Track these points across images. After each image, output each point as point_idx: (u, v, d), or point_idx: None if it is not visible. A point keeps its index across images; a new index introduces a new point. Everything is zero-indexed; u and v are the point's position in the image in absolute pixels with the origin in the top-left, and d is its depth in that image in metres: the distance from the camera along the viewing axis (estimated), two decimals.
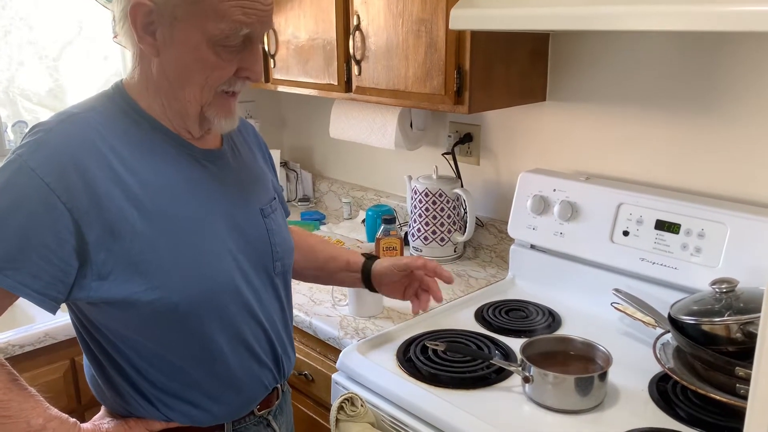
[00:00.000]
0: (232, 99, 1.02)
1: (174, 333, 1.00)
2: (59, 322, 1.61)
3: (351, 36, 1.74)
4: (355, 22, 1.73)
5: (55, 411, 0.96)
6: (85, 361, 1.10)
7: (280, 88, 2.07)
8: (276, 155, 2.50)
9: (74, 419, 0.98)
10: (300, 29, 1.91)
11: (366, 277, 1.37)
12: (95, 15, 2.28)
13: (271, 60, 2.03)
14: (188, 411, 1.05)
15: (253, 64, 0.99)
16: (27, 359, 1.59)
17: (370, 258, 1.39)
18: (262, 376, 1.11)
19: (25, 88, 2.29)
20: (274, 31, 1.99)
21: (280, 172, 2.54)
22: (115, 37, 2.18)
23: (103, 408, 1.11)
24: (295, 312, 1.63)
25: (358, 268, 1.38)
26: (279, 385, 1.18)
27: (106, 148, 0.95)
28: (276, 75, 2.05)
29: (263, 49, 2.04)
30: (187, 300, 0.98)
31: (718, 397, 1.12)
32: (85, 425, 1.00)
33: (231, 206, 1.06)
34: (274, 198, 1.18)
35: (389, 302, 1.66)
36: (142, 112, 1.01)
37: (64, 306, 1.00)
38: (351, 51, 1.75)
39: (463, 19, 1.39)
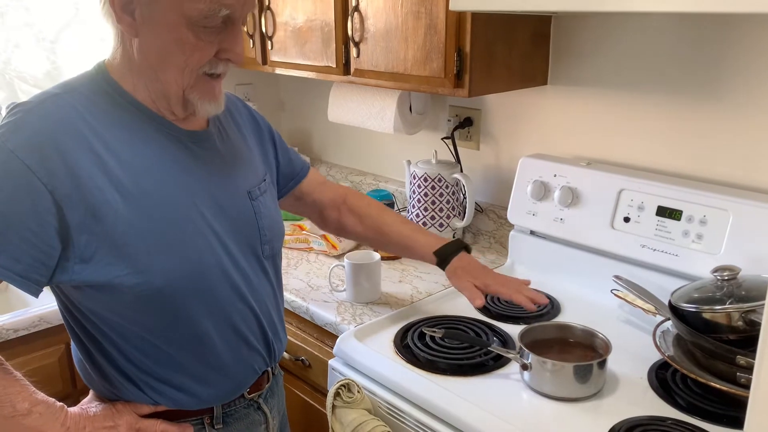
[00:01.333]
0: (216, 82, 1.00)
1: (159, 317, 0.99)
2: (54, 306, 1.57)
3: (349, 17, 1.71)
4: (353, 4, 1.70)
5: (41, 395, 0.95)
6: (72, 346, 1.09)
7: (278, 71, 2.04)
8: None
9: (61, 403, 0.98)
10: (298, 11, 1.88)
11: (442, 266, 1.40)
12: None
13: (269, 42, 2.01)
14: (175, 395, 1.04)
15: (234, 45, 0.96)
16: (21, 343, 1.58)
17: (445, 256, 1.39)
18: (252, 360, 1.10)
19: (21, 70, 2.26)
20: (272, 12, 1.96)
21: None
22: None
23: (91, 392, 1.10)
24: (292, 297, 1.62)
25: (433, 262, 1.40)
26: (269, 369, 1.17)
27: (87, 130, 0.93)
28: (273, 57, 2.02)
29: (261, 31, 2.02)
30: (170, 284, 0.97)
31: (718, 386, 1.11)
32: (72, 409, 0.99)
33: (216, 188, 1.05)
34: (264, 180, 1.16)
35: (387, 288, 1.65)
36: (124, 93, 0.99)
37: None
38: (349, 33, 1.73)
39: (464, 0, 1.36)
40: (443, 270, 1.39)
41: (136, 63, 0.97)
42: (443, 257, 1.38)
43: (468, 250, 1.42)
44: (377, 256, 1.60)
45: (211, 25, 0.93)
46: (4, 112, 2.21)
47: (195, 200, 1.01)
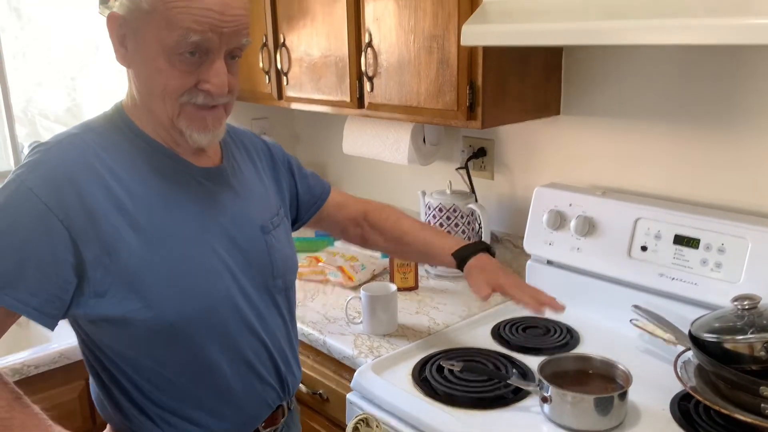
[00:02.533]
0: (208, 113, 1.00)
1: (171, 351, 1.00)
2: (74, 342, 1.59)
3: (363, 53, 1.74)
4: (366, 39, 1.73)
5: (58, 428, 0.95)
6: (90, 380, 1.10)
7: (294, 106, 2.07)
8: None
9: None
10: (312, 47, 1.92)
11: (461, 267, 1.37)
12: None
13: (284, 78, 2.04)
14: (189, 429, 1.05)
15: (212, 76, 0.96)
16: (42, 380, 1.59)
17: (464, 257, 1.36)
18: (265, 394, 1.11)
19: (43, 107, 2.31)
20: (287, 49, 2.00)
21: None
22: None
23: (108, 426, 1.11)
24: (309, 330, 1.62)
25: (452, 265, 1.38)
26: (284, 403, 1.17)
27: (102, 168, 0.96)
28: (289, 92, 2.05)
29: (277, 67, 2.05)
30: (182, 318, 0.98)
31: (742, 418, 1.09)
32: None
33: (229, 223, 1.06)
34: (277, 214, 1.18)
35: (404, 319, 1.65)
36: (137, 130, 1.02)
37: None
38: (363, 68, 1.75)
39: (475, 35, 1.38)
40: (462, 271, 1.37)
41: (136, 96, 1.01)
42: (462, 259, 1.36)
43: (490, 251, 1.38)
44: (393, 287, 1.60)
45: (184, 52, 0.93)
46: (26, 150, 2.26)
47: (207, 235, 1.03)
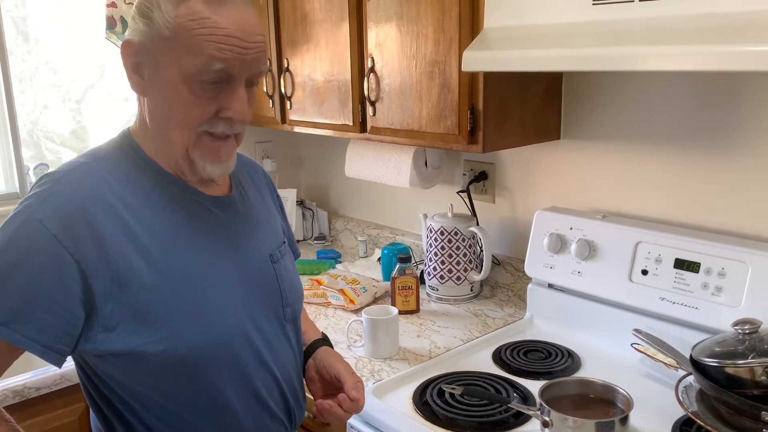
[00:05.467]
0: (223, 142, 0.98)
1: (182, 385, 0.98)
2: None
3: (366, 78, 1.77)
4: (369, 65, 1.75)
5: None
6: (92, 416, 1.07)
7: (297, 129, 2.09)
8: (293, 194, 2.52)
9: None
10: (316, 71, 1.94)
11: (308, 353, 1.22)
12: (117, 59, 2.34)
13: (288, 102, 2.06)
14: None
15: (233, 103, 0.94)
16: (43, 402, 1.58)
17: (324, 341, 1.26)
18: (274, 428, 1.08)
19: (48, 129, 2.34)
20: (291, 74, 2.03)
21: (297, 210, 2.56)
22: None
23: None
24: None
25: (307, 342, 1.23)
26: None
27: (113, 198, 0.94)
28: (292, 116, 2.08)
29: (280, 92, 2.08)
30: (194, 351, 0.96)
31: None
32: None
33: (240, 253, 1.05)
34: (284, 242, 1.17)
35: (405, 343, 1.65)
36: (147, 159, 1.00)
37: None
38: (366, 92, 1.77)
39: (476, 60, 1.40)
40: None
41: (149, 125, 0.99)
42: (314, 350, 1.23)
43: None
44: (395, 310, 1.61)
45: (207, 80, 0.91)
46: (31, 173, 2.27)
47: (219, 265, 1.01)
